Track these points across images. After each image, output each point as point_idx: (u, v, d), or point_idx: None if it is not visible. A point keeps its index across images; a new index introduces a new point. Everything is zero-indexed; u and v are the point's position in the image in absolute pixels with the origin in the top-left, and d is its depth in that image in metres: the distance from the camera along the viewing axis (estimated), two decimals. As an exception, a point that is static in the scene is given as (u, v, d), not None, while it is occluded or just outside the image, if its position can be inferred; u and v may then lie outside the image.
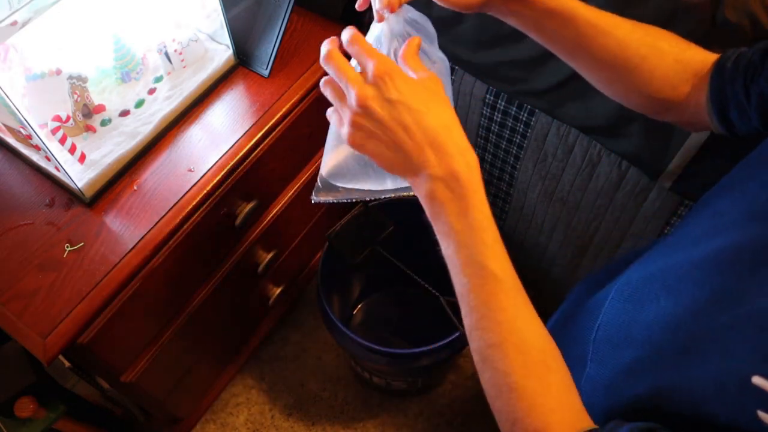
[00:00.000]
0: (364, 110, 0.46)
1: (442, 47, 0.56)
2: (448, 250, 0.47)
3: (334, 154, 0.60)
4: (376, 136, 0.47)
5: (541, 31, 0.58)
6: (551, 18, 0.55)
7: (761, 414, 0.35)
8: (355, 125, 0.47)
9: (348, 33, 0.48)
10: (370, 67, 0.46)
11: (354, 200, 0.63)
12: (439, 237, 0.48)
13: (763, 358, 0.36)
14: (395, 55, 0.52)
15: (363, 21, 1.07)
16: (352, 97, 0.46)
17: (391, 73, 0.46)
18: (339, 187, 0.61)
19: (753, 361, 0.37)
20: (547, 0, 0.54)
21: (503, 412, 0.45)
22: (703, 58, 0.55)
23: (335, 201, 0.63)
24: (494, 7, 0.56)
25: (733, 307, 0.41)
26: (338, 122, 0.49)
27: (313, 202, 0.63)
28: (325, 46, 0.48)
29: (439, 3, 0.53)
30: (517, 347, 0.45)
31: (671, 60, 0.55)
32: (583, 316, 0.61)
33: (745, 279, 0.41)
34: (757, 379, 0.36)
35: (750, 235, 0.42)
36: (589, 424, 0.43)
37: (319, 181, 0.62)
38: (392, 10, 0.50)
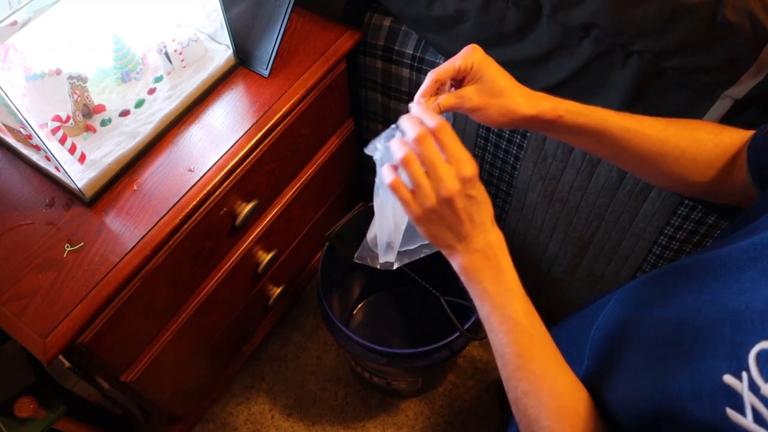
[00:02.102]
0: (447, 202, 0.50)
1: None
2: (483, 310, 0.53)
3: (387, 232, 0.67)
4: (442, 220, 0.52)
5: (578, 143, 0.61)
6: (586, 131, 0.58)
7: (730, 412, 0.36)
8: (432, 210, 0.51)
9: (436, 120, 0.51)
10: (466, 166, 0.50)
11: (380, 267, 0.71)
12: (475, 300, 0.54)
13: (734, 357, 0.38)
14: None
15: (362, 22, 1.07)
16: (442, 188, 0.50)
17: (477, 175, 0.51)
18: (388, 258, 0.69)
19: (726, 359, 0.38)
20: (578, 118, 0.57)
21: None
22: (741, 137, 0.57)
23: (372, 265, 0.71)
24: (529, 127, 0.59)
25: (714, 308, 0.42)
26: (405, 195, 0.52)
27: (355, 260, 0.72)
28: (416, 128, 0.51)
29: (473, 118, 0.58)
30: (549, 393, 0.49)
31: (710, 146, 0.57)
32: (586, 316, 0.64)
33: (729, 281, 0.43)
34: (727, 378, 0.37)
35: (745, 243, 0.44)
36: None
37: (363, 250, 0.70)
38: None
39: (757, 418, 0.35)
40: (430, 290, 1.10)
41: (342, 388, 1.40)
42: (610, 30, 0.78)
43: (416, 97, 0.57)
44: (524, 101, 0.56)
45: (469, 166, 0.50)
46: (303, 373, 1.42)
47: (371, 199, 0.67)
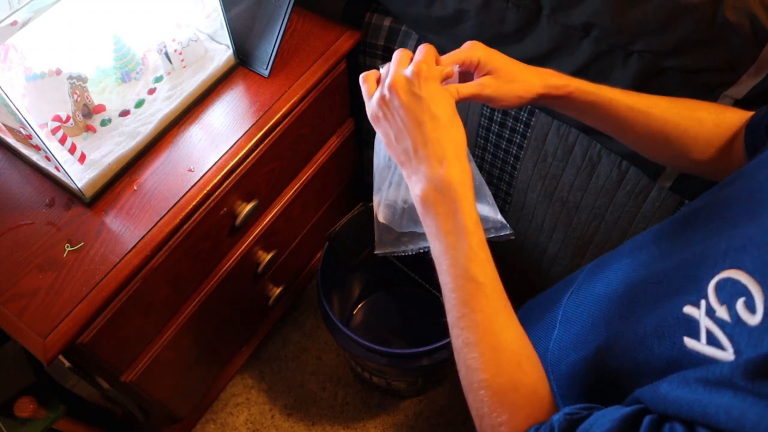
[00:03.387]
0: (390, 93, 0.52)
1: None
2: (435, 249, 0.51)
3: (386, 195, 0.65)
4: (390, 119, 0.53)
5: (586, 119, 0.63)
6: (593, 108, 0.60)
7: (686, 339, 0.38)
8: (378, 102, 0.53)
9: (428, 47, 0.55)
10: (414, 63, 0.52)
11: (420, 251, 0.68)
12: (428, 236, 0.52)
13: (695, 290, 0.40)
14: None
15: (362, 22, 1.07)
16: (387, 80, 0.53)
17: (428, 76, 0.51)
18: (397, 232, 0.67)
19: (687, 294, 0.41)
20: (587, 96, 0.59)
21: (474, 408, 0.48)
22: (741, 117, 0.58)
23: (400, 252, 0.69)
24: (541, 103, 0.61)
25: (678, 255, 0.45)
26: (369, 89, 0.56)
27: (377, 254, 0.69)
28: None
29: (491, 106, 0.60)
30: (492, 347, 0.47)
31: (711, 125, 0.59)
32: (558, 288, 0.67)
33: (694, 231, 0.46)
34: (687, 308, 0.40)
35: (703, 198, 0.48)
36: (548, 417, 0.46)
37: (377, 232, 0.67)
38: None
39: (710, 339, 0.37)
40: (430, 290, 1.10)
41: (342, 388, 1.40)
42: (610, 30, 0.78)
43: None
44: (537, 81, 0.58)
45: (422, 65, 0.51)
46: (303, 373, 1.42)
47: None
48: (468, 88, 0.56)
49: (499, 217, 0.65)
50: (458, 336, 0.49)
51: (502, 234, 0.64)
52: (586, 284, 0.59)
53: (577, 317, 0.57)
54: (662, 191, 0.90)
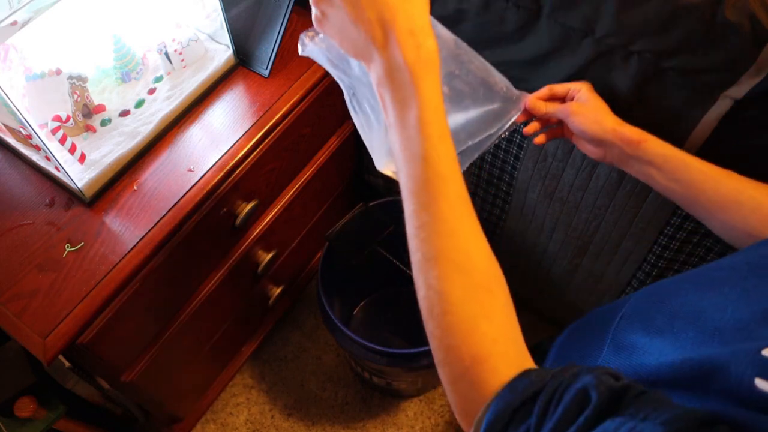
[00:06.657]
0: None
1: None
2: (394, 145, 0.43)
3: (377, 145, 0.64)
4: (333, 13, 0.45)
5: (655, 180, 0.62)
6: (666, 163, 0.60)
7: (758, 381, 0.36)
8: (316, 3, 0.46)
9: None
10: None
11: None
12: (388, 130, 0.45)
13: None
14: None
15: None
16: None
17: None
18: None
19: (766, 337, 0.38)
20: (661, 147, 0.60)
21: (436, 336, 0.41)
22: None
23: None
24: (614, 153, 0.63)
25: (762, 301, 0.41)
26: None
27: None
28: None
29: (567, 122, 0.69)
30: (458, 266, 0.40)
31: None
32: (607, 310, 0.63)
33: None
34: (766, 352, 0.36)
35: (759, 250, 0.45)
36: (531, 364, 0.40)
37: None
38: None
39: None
40: (430, 290, 1.10)
41: (342, 388, 1.40)
42: (610, 30, 0.78)
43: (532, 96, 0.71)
44: (612, 119, 0.66)
45: None
46: (303, 373, 1.42)
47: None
48: (554, 105, 0.67)
49: (512, 87, 0.69)
50: (418, 249, 0.42)
51: (508, 121, 0.71)
52: (640, 309, 0.56)
53: (626, 343, 0.53)
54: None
